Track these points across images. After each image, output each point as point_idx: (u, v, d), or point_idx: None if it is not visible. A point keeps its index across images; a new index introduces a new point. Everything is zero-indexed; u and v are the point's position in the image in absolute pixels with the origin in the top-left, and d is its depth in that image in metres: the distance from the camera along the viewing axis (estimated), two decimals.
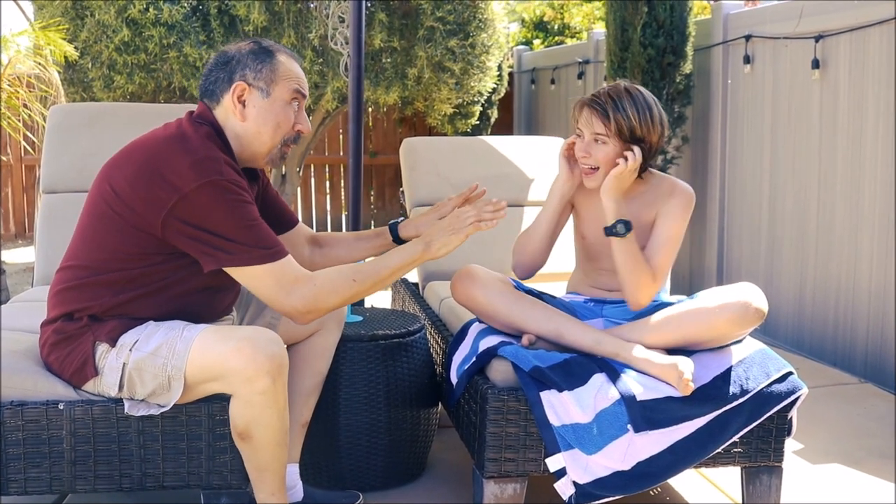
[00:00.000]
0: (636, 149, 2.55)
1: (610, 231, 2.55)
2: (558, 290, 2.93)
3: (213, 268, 2.18)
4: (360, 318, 2.96)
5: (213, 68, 2.33)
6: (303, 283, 2.21)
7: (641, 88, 2.61)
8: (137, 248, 2.21)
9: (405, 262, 2.33)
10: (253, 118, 2.30)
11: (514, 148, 4.02)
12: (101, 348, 2.23)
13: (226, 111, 2.31)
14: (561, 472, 2.42)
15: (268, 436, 2.22)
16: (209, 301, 2.35)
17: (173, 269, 2.23)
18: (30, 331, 2.56)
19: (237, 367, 2.13)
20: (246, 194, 2.20)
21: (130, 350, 2.21)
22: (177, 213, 2.13)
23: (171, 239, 2.17)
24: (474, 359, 2.58)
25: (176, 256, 2.21)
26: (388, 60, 6.25)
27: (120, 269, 2.23)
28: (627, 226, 2.54)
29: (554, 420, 2.42)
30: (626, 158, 2.54)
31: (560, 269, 3.24)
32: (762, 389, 2.48)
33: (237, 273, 2.20)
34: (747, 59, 5.03)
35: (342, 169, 9.06)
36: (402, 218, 2.72)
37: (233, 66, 2.30)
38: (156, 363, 2.19)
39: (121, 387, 2.23)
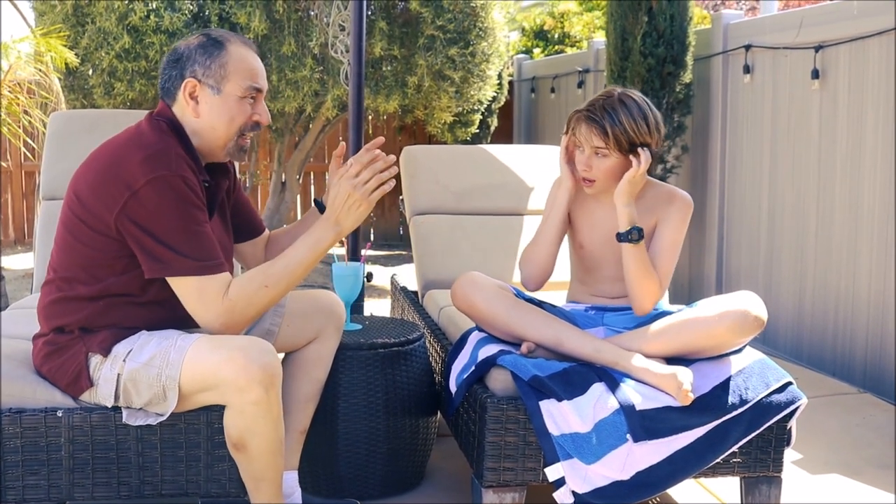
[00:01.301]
0: (645, 151, 2.56)
1: (625, 237, 2.55)
2: (559, 299, 2.93)
3: (150, 276, 2.18)
4: (360, 327, 2.96)
5: (166, 66, 2.31)
6: (223, 299, 2.19)
7: (634, 95, 2.61)
8: (104, 254, 2.21)
9: (317, 251, 2.26)
10: (206, 114, 2.28)
11: (513, 156, 4.02)
12: (95, 360, 2.23)
13: (182, 108, 2.30)
14: (560, 482, 2.41)
15: (262, 445, 2.21)
16: None
17: (145, 281, 2.22)
18: (28, 338, 2.55)
19: (229, 377, 2.12)
20: (194, 195, 2.18)
21: (124, 360, 2.20)
22: (127, 211, 2.14)
23: (124, 238, 2.17)
24: (473, 368, 2.58)
25: None
26: (389, 69, 6.25)
27: (98, 281, 2.23)
28: (640, 232, 2.55)
29: (553, 429, 2.42)
30: (638, 160, 2.55)
31: (560, 278, 3.24)
32: (761, 399, 2.48)
33: (170, 282, 2.20)
34: (747, 69, 5.04)
35: None
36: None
37: (183, 62, 2.28)
38: (150, 373, 2.18)
39: (116, 397, 2.23)
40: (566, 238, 2.85)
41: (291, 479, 2.56)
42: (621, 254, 2.69)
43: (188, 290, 2.19)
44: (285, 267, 2.25)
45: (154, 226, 2.14)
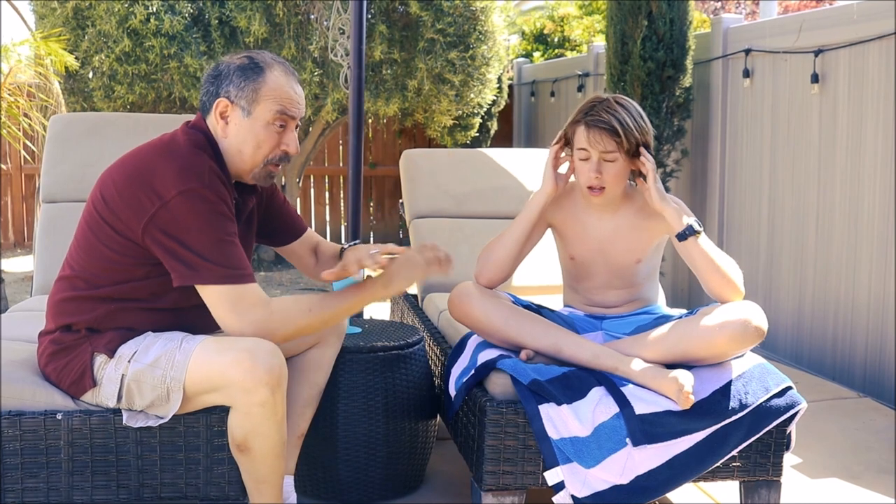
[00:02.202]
0: (646, 151, 2.58)
1: (689, 231, 2.54)
2: (556, 303, 2.93)
3: (179, 284, 2.17)
4: (360, 330, 2.95)
5: (207, 80, 2.33)
6: (258, 308, 2.18)
7: (625, 98, 2.62)
8: (127, 258, 2.21)
9: (363, 300, 2.38)
10: (233, 135, 2.28)
11: (513, 160, 4.02)
12: (100, 359, 2.23)
13: (213, 125, 2.30)
14: (559, 486, 2.41)
15: (266, 447, 2.22)
16: (205, 315, 2.33)
17: (162, 285, 2.22)
18: (28, 340, 2.56)
19: (236, 378, 2.13)
20: (226, 207, 2.19)
21: (129, 361, 2.21)
22: (157, 221, 2.14)
23: (150, 247, 2.17)
24: (473, 371, 2.58)
25: (163, 269, 2.20)
26: (389, 72, 6.26)
27: (116, 283, 2.24)
28: (699, 222, 2.56)
29: (552, 433, 2.42)
30: (648, 160, 2.57)
31: (554, 281, 3.24)
32: (761, 404, 2.48)
33: (199, 290, 2.19)
34: (747, 73, 5.04)
35: (342, 180, 9.06)
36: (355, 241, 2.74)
37: (220, 80, 2.28)
38: (154, 374, 2.18)
39: (119, 398, 2.23)
40: (557, 248, 2.86)
41: (288, 483, 2.56)
42: (612, 265, 2.71)
43: (219, 298, 2.17)
44: (332, 302, 2.31)
45: (184, 235, 2.14)
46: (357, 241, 2.76)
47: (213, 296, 2.18)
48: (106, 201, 2.22)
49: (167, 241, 2.15)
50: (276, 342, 2.21)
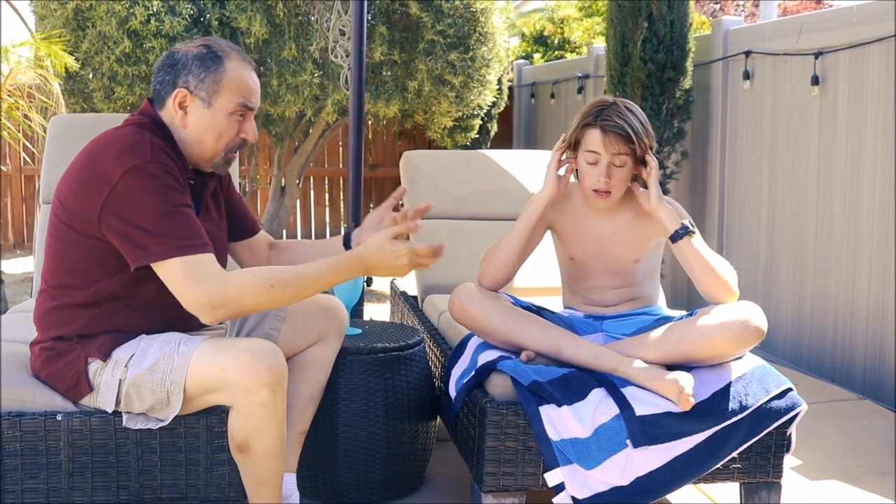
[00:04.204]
0: (651, 154, 2.60)
1: (683, 231, 2.56)
2: (554, 304, 2.93)
3: (136, 266, 2.12)
4: (360, 331, 2.95)
5: (160, 69, 2.28)
6: (215, 277, 2.10)
7: (631, 102, 2.64)
8: (93, 256, 2.19)
9: (338, 275, 2.18)
10: (193, 126, 2.26)
11: (513, 162, 4.02)
12: (95, 365, 2.23)
13: (170, 114, 2.27)
14: (559, 487, 2.41)
15: (266, 447, 2.21)
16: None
17: (136, 276, 2.17)
18: (28, 342, 2.55)
19: (236, 378, 2.12)
20: (173, 180, 2.14)
21: (126, 366, 2.20)
22: (108, 206, 2.11)
23: (107, 236, 2.14)
24: (473, 373, 2.58)
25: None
26: (389, 73, 6.26)
27: (90, 284, 2.22)
28: (692, 223, 2.58)
29: (553, 435, 2.42)
30: (651, 162, 2.59)
31: (552, 283, 3.24)
32: (761, 405, 2.48)
33: (157, 270, 2.12)
34: (747, 75, 5.05)
35: (341, 181, 9.06)
36: (354, 226, 2.66)
37: (178, 69, 2.25)
38: (154, 379, 2.18)
39: (118, 402, 2.22)
40: (556, 249, 2.86)
41: (290, 481, 2.56)
42: (611, 265, 2.71)
43: (174, 272, 2.10)
44: (300, 277, 2.16)
45: (133, 214, 2.10)
46: (352, 225, 2.70)
47: (167, 270, 2.11)
48: (64, 206, 2.20)
49: (119, 225, 2.11)
50: (234, 314, 2.15)
